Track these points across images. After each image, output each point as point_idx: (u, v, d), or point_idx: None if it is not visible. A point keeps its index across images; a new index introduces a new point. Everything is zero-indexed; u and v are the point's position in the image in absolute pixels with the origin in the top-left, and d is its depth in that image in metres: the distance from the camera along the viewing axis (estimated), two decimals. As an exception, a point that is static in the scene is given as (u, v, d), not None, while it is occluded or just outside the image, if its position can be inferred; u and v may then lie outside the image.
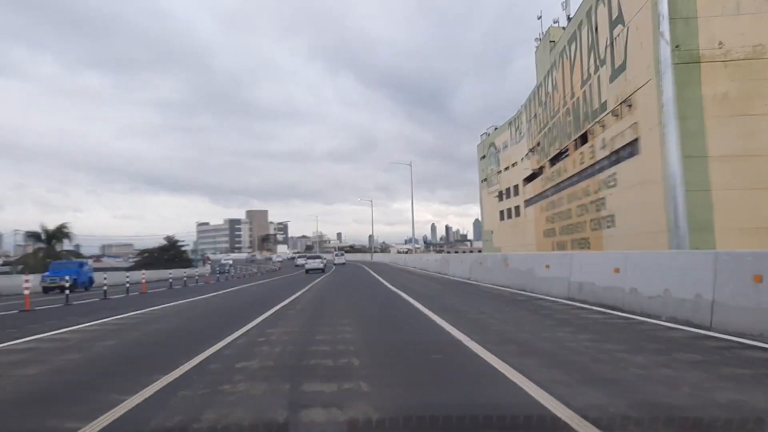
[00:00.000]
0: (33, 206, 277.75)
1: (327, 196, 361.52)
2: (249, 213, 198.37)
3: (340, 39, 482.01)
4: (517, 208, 57.71)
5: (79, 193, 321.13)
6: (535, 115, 47.97)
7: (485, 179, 68.99)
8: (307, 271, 40.50)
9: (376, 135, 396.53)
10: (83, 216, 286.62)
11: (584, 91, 33.34)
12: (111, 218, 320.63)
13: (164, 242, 58.50)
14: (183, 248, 58.03)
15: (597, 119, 31.11)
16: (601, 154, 31.13)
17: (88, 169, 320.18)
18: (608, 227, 30.63)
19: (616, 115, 27.96)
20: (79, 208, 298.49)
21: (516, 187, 57.40)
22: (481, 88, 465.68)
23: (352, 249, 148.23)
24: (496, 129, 65.99)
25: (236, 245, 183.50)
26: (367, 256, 65.34)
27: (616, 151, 28.84)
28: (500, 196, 62.94)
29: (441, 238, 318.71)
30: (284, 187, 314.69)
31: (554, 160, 43.36)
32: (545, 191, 46.64)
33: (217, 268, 43.13)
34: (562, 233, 40.92)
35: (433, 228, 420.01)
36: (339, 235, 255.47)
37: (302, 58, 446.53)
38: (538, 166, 47.66)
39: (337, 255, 47.77)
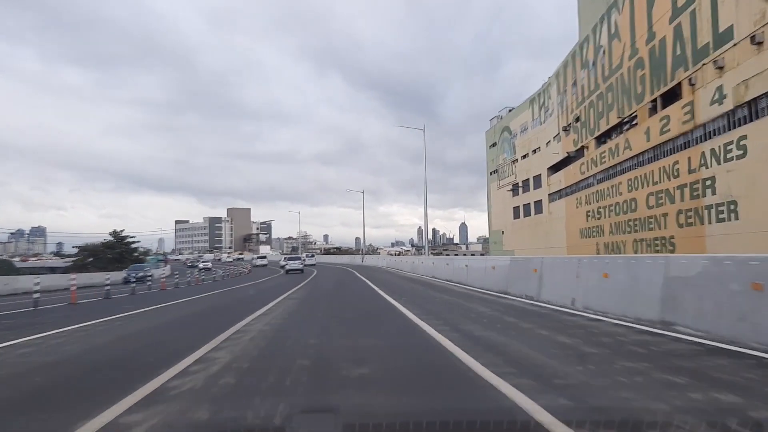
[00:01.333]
0: (15, 204, 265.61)
1: (313, 199, 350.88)
2: (230, 211, 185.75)
3: (327, 39, 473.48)
4: (538, 203, 47.65)
5: (63, 191, 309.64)
6: (575, 82, 37.87)
7: (495, 171, 58.85)
8: (287, 271, 39.22)
9: (363, 138, 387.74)
10: (67, 214, 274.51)
11: (677, 25, 23.20)
12: (96, 217, 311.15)
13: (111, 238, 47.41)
14: (134, 244, 46.81)
15: (708, 58, 20.97)
16: (710, 113, 21.02)
17: (71, 167, 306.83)
18: (720, 220, 20.55)
19: (760, 42, 17.82)
20: (63, 207, 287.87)
21: (538, 177, 47.35)
22: (468, 94, 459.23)
23: (339, 251, 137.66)
24: (510, 111, 55.98)
25: (216, 245, 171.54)
26: (355, 259, 55.26)
27: (749, 103, 18.74)
28: (515, 190, 52.84)
29: (428, 241, 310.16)
30: (270, 188, 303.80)
31: (604, 138, 33.32)
32: (584, 179, 36.57)
33: (133, 275, 32.13)
34: (616, 232, 30.86)
35: (420, 231, 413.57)
36: (326, 237, 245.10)
37: (289, 59, 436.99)
38: (577, 148, 37.57)
39: (290, 258, 42.68)
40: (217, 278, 38.05)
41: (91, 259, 45.39)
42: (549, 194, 45.13)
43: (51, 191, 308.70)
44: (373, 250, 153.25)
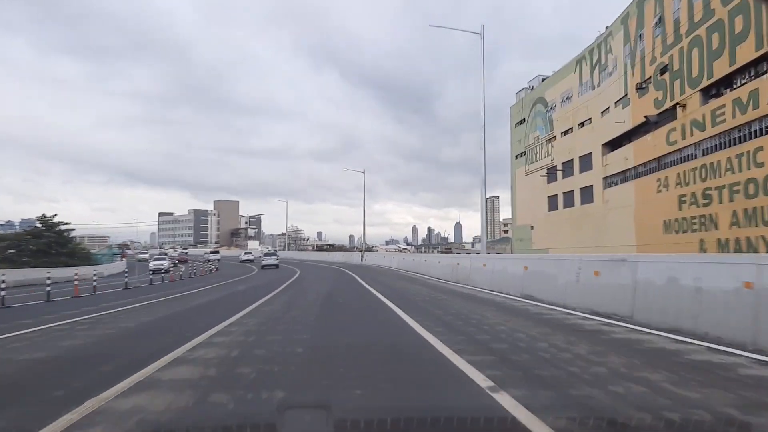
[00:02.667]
0: (7, 195, 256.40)
1: (307, 196, 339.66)
2: (217, 204, 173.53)
3: (323, 35, 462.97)
4: (586, 189, 37.23)
5: (55, 183, 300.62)
6: (659, 19, 27.42)
7: (522, 153, 48.42)
8: (263, 266, 39.89)
9: (359, 135, 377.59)
10: (59, 207, 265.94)
11: None
12: (89, 210, 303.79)
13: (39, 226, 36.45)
14: (68, 233, 36.00)
15: None
16: None
17: (64, 159, 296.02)
18: None
19: None
20: (55, 199, 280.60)
21: (587, 157, 36.95)
22: (464, 93, 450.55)
23: (332, 248, 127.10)
24: (545, 80, 45.56)
25: (202, 239, 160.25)
26: (352, 257, 44.41)
27: None
28: (551, 175, 42.46)
29: (422, 240, 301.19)
30: (264, 184, 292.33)
31: (718, 87, 22.94)
32: (676, 151, 26.21)
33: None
34: (747, 223, 20.53)
35: (414, 230, 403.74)
36: (319, 234, 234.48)
37: (285, 53, 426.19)
38: (662, 109, 27.19)
39: (266, 254, 43.20)
40: (174, 278, 27.50)
41: (12, 251, 34.59)
42: (604, 177, 34.74)
43: (43, 183, 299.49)
44: (368, 248, 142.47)
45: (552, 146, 42.43)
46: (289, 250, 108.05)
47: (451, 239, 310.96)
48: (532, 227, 46.27)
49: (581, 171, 37.80)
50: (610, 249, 31.02)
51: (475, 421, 3.06)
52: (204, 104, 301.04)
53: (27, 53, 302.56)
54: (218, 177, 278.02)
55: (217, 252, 68.57)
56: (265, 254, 45.26)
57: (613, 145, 33.90)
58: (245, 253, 55.11)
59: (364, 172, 46.88)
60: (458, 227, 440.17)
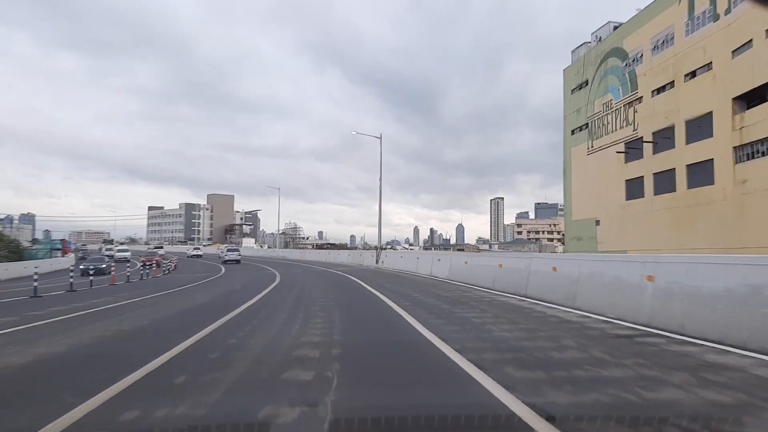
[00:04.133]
0: (7, 190, 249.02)
1: (308, 195, 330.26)
2: (210, 197, 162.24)
3: (326, 33, 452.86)
4: (698, 167, 26.10)
5: (55, 179, 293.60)
6: None
7: (583, 126, 37.12)
8: (225, 261, 40.08)
9: (360, 135, 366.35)
10: (59, 202, 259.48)
11: None
12: (89, 206, 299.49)
13: None
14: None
15: None
16: None
17: (65, 154, 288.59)
18: None
19: None
20: (56, 195, 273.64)
21: (703, 120, 25.76)
22: (468, 94, 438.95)
23: (333, 246, 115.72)
24: (616, 28, 34.28)
25: (193, 235, 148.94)
26: (363, 258, 32.19)
27: None
28: (631, 152, 31.31)
29: (424, 242, 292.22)
30: (264, 182, 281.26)
31: None
32: None
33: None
34: None
35: (416, 231, 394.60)
36: (320, 233, 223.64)
37: (288, 51, 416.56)
38: None
39: (229, 250, 44.87)
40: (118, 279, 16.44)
41: None
42: (738, 146, 23.52)
43: (44, 178, 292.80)
44: (384, 246, 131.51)
45: (634, 112, 31.12)
46: (286, 248, 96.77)
47: (453, 241, 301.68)
48: (597, 222, 35.01)
49: (690, 140, 26.51)
50: (755, 251, 19.77)
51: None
52: (205, 101, 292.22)
53: (29, 47, 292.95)
54: (219, 175, 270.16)
55: (199, 249, 65.25)
56: (228, 250, 46.26)
57: (754, 98, 22.67)
58: (229, 251, 47.40)
59: (381, 138, 35.73)
60: (460, 228, 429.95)
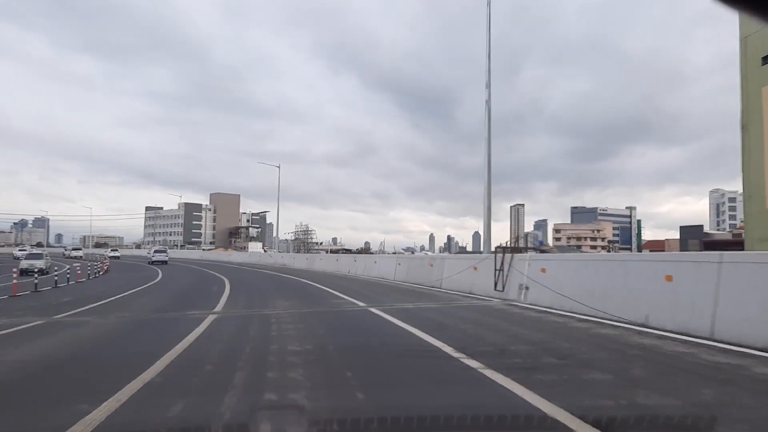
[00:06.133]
0: (23, 194, 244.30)
1: (322, 201, 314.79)
2: (214, 197, 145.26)
3: (342, 37, 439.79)
4: None
5: (71, 182, 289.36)
6: None
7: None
8: (152, 262, 40.60)
9: (375, 140, 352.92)
10: (75, 206, 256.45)
11: None
12: (104, 210, 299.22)
13: None
14: None
15: None
16: None
17: (80, 158, 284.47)
18: None
19: None
20: (71, 198, 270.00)
21: None
22: (484, 99, 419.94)
23: (349, 253, 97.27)
24: None
25: (195, 238, 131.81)
26: (382, 266, 17.17)
27: None
28: None
29: (440, 249, 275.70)
30: (281, 188, 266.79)
31: None
32: None
33: None
34: None
35: (432, 238, 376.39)
36: (334, 239, 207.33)
37: (303, 55, 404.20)
38: None
39: (156, 251, 44.88)
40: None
41: None
42: None
43: (59, 182, 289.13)
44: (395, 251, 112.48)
45: None
46: (297, 252, 79.43)
47: (469, 248, 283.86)
48: None
49: None
50: None
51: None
52: (220, 105, 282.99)
53: (45, 50, 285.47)
54: (232, 179, 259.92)
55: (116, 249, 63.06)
56: (155, 251, 45.83)
57: None
58: (156, 252, 46.47)
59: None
60: (477, 236, 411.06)
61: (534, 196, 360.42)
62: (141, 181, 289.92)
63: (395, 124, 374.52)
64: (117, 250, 65.89)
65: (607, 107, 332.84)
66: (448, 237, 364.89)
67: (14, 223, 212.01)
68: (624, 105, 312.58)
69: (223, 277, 22.67)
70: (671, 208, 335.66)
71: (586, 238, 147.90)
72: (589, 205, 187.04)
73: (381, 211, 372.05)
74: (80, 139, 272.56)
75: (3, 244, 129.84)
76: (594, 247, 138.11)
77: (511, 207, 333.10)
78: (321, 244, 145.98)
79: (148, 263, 40.01)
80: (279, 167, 43.86)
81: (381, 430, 3.22)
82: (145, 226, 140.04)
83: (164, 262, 39.54)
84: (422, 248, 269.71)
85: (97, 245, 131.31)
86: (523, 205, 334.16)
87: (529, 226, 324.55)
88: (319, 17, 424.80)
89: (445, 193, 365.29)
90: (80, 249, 64.56)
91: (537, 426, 3.38)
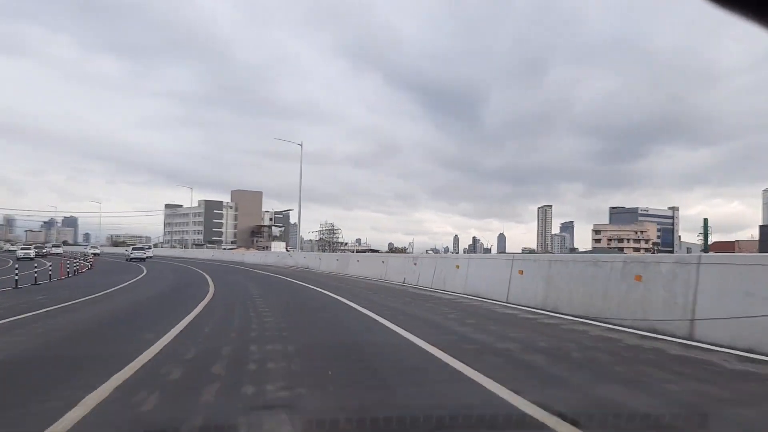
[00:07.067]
0: (51, 193, 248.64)
1: (345, 202, 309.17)
2: (235, 194, 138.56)
3: (364, 36, 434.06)
4: None
5: (97, 182, 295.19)
6: None
7: None
8: (130, 259, 41.06)
9: (397, 141, 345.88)
10: (101, 206, 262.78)
11: None
12: (130, 210, 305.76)
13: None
14: None
15: None
16: None
17: (106, 158, 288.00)
18: None
19: None
20: (97, 198, 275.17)
21: None
22: (508, 99, 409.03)
23: (376, 252, 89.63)
24: None
25: (215, 237, 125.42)
26: (476, 273, 11.06)
27: None
28: None
29: (464, 250, 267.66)
30: (304, 189, 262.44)
31: None
32: None
33: None
34: None
35: (456, 240, 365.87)
36: (358, 240, 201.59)
37: (325, 55, 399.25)
38: None
39: (134, 249, 46.63)
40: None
41: None
42: None
43: (86, 182, 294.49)
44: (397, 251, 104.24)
45: None
46: (321, 250, 72.34)
47: (494, 250, 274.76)
48: None
49: None
50: None
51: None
52: (242, 106, 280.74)
53: (71, 51, 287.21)
54: (254, 179, 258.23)
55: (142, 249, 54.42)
56: (134, 248, 46.59)
57: None
58: (134, 249, 46.51)
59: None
60: (502, 238, 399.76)
61: (560, 197, 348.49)
62: (165, 180, 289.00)
63: (418, 124, 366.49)
64: (97, 247, 67.73)
65: (634, 107, 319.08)
66: (474, 239, 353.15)
67: (44, 222, 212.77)
68: (652, 105, 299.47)
69: (209, 286, 14.88)
70: (701, 210, 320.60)
71: (628, 240, 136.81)
72: (627, 205, 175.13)
73: (404, 212, 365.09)
74: (105, 139, 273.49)
75: (32, 242, 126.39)
76: (637, 249, 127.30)
77: (538, 208, 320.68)
78: (346, 244, 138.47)
79: (126, 260, 40.78)
80: (301, 145, 35.93)
81: None
82: (165, 225, 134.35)
83: (142, 259, 40.49)
84: (446, 250, 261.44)
85: (115, 244, 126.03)
86: (551, 206, 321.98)
87: (554, 229, 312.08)
88: (341, 16, 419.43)
89: (469, 194, 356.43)
90: (60, 246, 66.50)
91: None
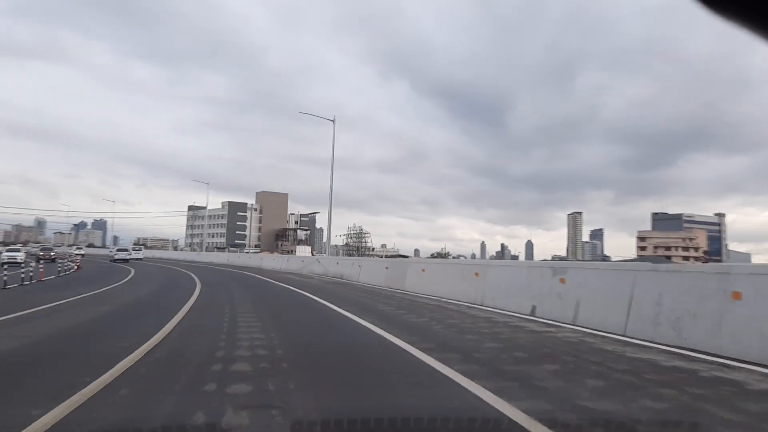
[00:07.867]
0: (84, 197, 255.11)
1: (372, 208, 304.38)
2: (260, 196, 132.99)
3: (394, 42, 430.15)
4: None
5: (129, 186, 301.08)
6: None
7: None
8: (114, 260, 41.16)
9: (424, 146, 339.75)
10: (133, 210, 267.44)
11: None
12: (162, 214, 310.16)
13: None
14: None
15: None
16: None
17: (138, 163, 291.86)
18: None
19: None
20: (129, 202, 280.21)
21: None
22: (537, 106, 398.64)
23: (405, 257, 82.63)
24: None
25: (239, 240, 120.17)
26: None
27: None
28: None
29: (491, 257, 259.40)
30: (329, 194, 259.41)
31: None
32: None
33: None
34: None
35: (483, 246, 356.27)
36: (384, 246, 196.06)
37: (355, 61, 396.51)
38: None
39: (119, 250, 47.17)
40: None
41: None
42: None
43: (118, 185, 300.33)
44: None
45: None
46: (345, 255, 66.01)
47: (522, 257, 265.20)
48: None
49: None
50: None
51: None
52: (273, 111, 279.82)
53: (107, 58, 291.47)
54: (281, 184, 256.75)
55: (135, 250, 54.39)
56: (118, 249, 47.02)
57: None
58: (118, 250, 46.66)
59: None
60: (530, 245, 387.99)
61: (588, 204, 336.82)
62: (195, 185, 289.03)
63: (446, 130, 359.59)
64: (81, 248, 68.94)
65: (665, 114, 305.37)
66: (502, 245, 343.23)
67: (74, 225, 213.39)
68: (684, 112, 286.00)
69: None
70: (733, 219, 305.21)
71: (676, 248, 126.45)
72: (671, 211, 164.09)
73: (429, 218, 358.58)
74: (137, 144, 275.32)
75: (61, 244, 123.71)
76: (686, 258, 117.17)
77: (568, 215, 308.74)
78: (373, 249, 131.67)
79: (110, 261, 41.21)
80: (334, 120, 29.06)
81: None
82: (188, 228, 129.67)
83: (126, 260, 40.54)
84: (473, 256, 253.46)
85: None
86: (581, 213, 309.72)
87: (583, 236, 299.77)
88: (371, 23, 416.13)
89: (496, 201, 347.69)
90: (81, 248, 68.21)
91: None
